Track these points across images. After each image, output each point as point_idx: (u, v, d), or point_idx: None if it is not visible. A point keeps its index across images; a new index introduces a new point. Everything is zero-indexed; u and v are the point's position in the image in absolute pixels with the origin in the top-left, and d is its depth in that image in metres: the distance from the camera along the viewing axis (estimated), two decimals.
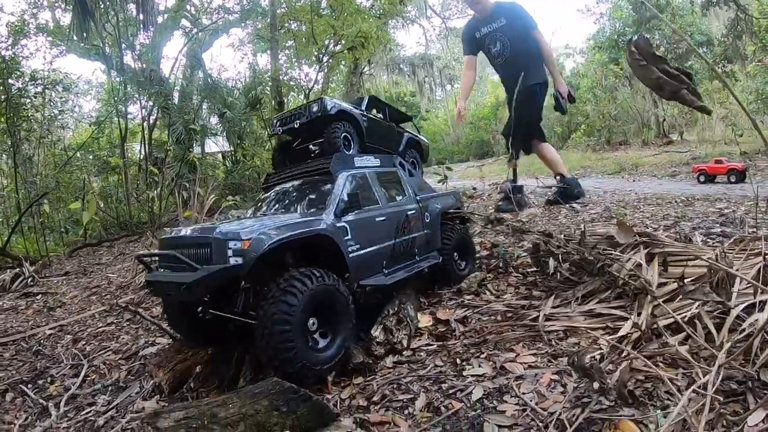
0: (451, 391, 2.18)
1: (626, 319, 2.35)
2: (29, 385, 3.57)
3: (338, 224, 2.97)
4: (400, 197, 3.79)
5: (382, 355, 2.65)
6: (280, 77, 14.60)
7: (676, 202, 6.65)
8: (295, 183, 3.70)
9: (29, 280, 7.84)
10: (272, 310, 2.36)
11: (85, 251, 10.90)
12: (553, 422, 1.80)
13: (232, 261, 2.40)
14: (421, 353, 2.61)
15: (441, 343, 2.69)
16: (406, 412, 2.13)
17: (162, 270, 2.90)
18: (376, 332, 2.80)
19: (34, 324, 5.28)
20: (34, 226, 13.38)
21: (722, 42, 15.79)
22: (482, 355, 2.43)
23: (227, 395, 2.25)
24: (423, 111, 29.94)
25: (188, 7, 16.47)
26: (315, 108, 5.01)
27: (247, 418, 2.06)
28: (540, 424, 1.81)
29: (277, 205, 3.52)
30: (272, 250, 2.50)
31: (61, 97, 14.82)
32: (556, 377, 2.09)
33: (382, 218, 3.37)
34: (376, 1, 14.46)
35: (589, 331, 2.42)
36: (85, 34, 13.85)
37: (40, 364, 3.84)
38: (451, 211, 4.29)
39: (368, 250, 3.15)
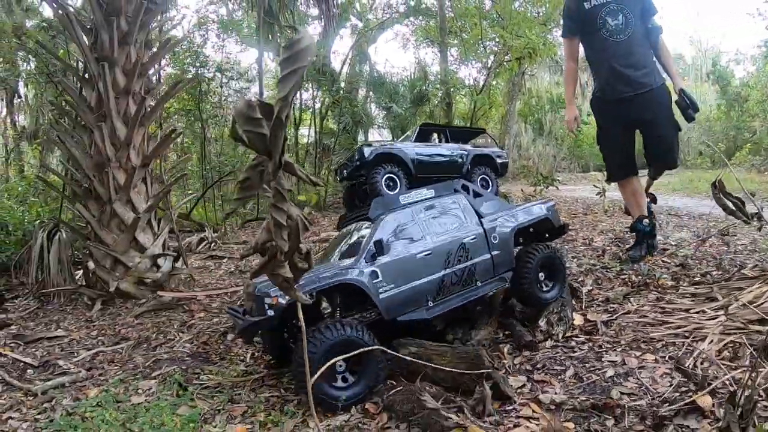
0: (591, 369, 3.27)
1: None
2: None
3: (368, 269, 3.30)
4: (456, 225, 3.81)
5: (542, 341, 3.79)
6: (447, 77, 15.40)
7: None
8: (351, 228, 4.12)
9: (212, 244, 9.06)
10: (295, 358, 3.02)
11: (255, 224, 12.43)
12: (660, 398, 2.78)
13: (269, 313, 3.10)
14: (572, 342, 3.71)
15: (588, 336, 3.74)
16: (559, 377, 3.28)
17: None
18: (542, 323, 3.90)
19: (231, 284, 6.20)
20: (213, 197, 15.78)
21: None
22: (618, 349, 3.44)
23: (443, 347, 3.41)
24: (585, 115, 29.08)
25: (356, 4, 17.95)
26: (356, 156, 5.54)
27: (449, 371, 3.14)
28: (650, 398, 2.80)
29: (334, 251, 4.06)
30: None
31: (243, 88, 17.17)
32: (668, 371, 3.03)
33: (426, 253, 3.53)
34: (541, 7, 14.75)
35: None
36: (269, 36, 16.05)
37: None
38: (535, 222, 4.23)
39: (404, 288, 3.39)
